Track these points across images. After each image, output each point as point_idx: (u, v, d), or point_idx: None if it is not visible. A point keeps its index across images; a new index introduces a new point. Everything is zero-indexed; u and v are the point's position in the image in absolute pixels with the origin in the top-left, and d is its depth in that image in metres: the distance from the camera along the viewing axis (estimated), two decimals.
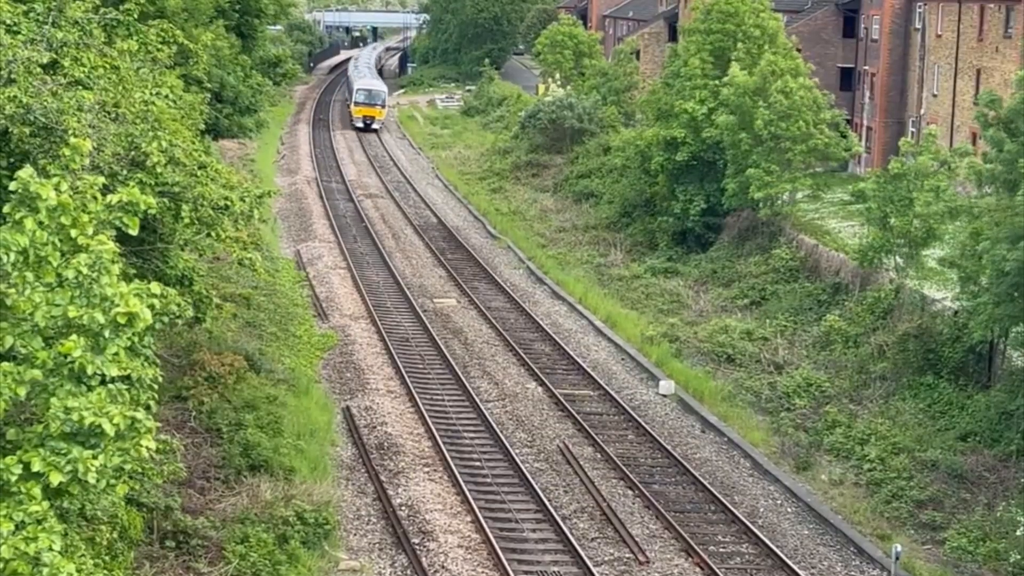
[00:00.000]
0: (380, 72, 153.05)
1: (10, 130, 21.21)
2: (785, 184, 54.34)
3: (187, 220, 25.29)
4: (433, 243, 65.08)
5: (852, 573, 30.26)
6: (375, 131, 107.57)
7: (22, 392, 15.37)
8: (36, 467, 15.10)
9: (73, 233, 15.88)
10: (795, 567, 29.68)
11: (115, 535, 21.41)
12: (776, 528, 32.39)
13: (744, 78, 54.61)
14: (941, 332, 39.76)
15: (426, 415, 38.70)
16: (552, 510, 32.08)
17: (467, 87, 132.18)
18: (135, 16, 27.68)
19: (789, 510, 33.69)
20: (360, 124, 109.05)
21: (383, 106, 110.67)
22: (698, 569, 29.66)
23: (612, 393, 41.80)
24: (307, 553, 27.81)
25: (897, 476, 34.51)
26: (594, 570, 28.94)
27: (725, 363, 44.72)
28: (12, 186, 15.80)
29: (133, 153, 23.59)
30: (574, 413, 39.68)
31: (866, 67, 73.80)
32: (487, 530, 30.58)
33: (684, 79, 60.66)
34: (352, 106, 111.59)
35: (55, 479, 15.09)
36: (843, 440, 37.09)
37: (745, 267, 54.04)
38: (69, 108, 21.64)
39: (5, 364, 15.52)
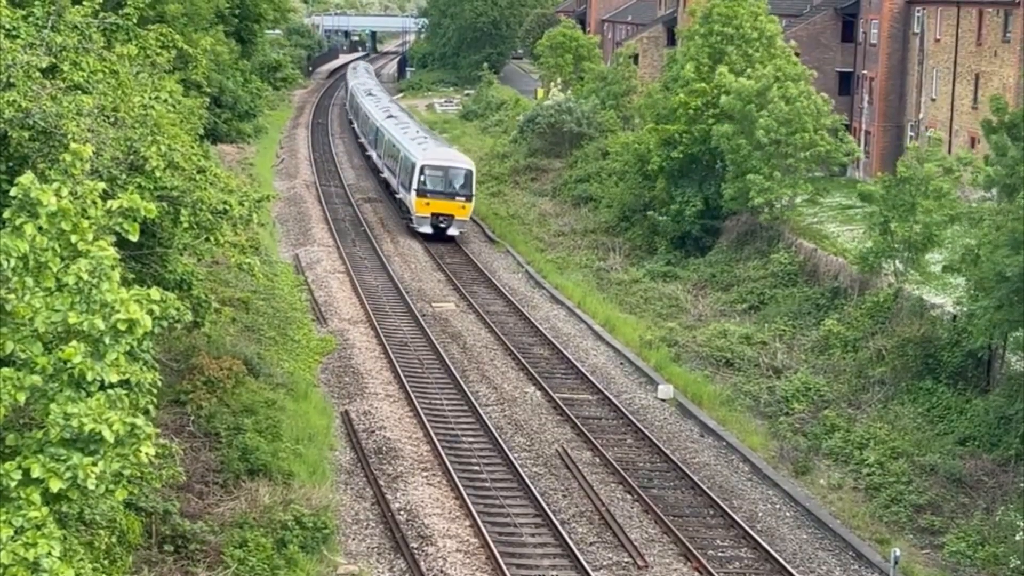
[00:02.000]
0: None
1: (9, 134, 21.21)
2: (785, 189, 54.37)
3: (186, 224, 25.26)
4: (432, 247, 65.04)
5: None
6: (452, 239, 66.05)
7: (22, 398, 15.36)
8: (36, 473, 15.08)
9: (73, 239, 15.86)
10: (794, 571, 29.69)
11: (114, 539, 21.39)
12: (775, 532, 32.38)
13: (744, 83, 54.58)
14: (940, 337, 39.77)
15: (425, 419, 38.70)
16: (551, 514, 32.07)
17: (466, 91, 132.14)
18: (134, 20, 27.64)
19: (788, 514, 33.68)
20: (427, 228, 66.02)
21: (471, 196, 66.83)
22: (697, 574, 29.66)
23: (611, 397, 41.79)
24: (305, 557, 27.81)
25: (896, 480, 34.52)
26: (592, 575, 28.94)
27: (724, 367, 44.72)
28: (13, 192, 15.79)
29: (132, 157, 23.57)
30: (573, 417, 39.67)
31: (865, 71, 73.83)
32: (486, 535, 30.58)
33: (681, 83, 60.64)
34: (411, 195, 66.76)
35: (55, 486, 15.08)
36: (842, 444, 37.10)
37: (744, 271, 54.05)
38: (68, 112, 21.63)
39: (5, 369, 15.51)
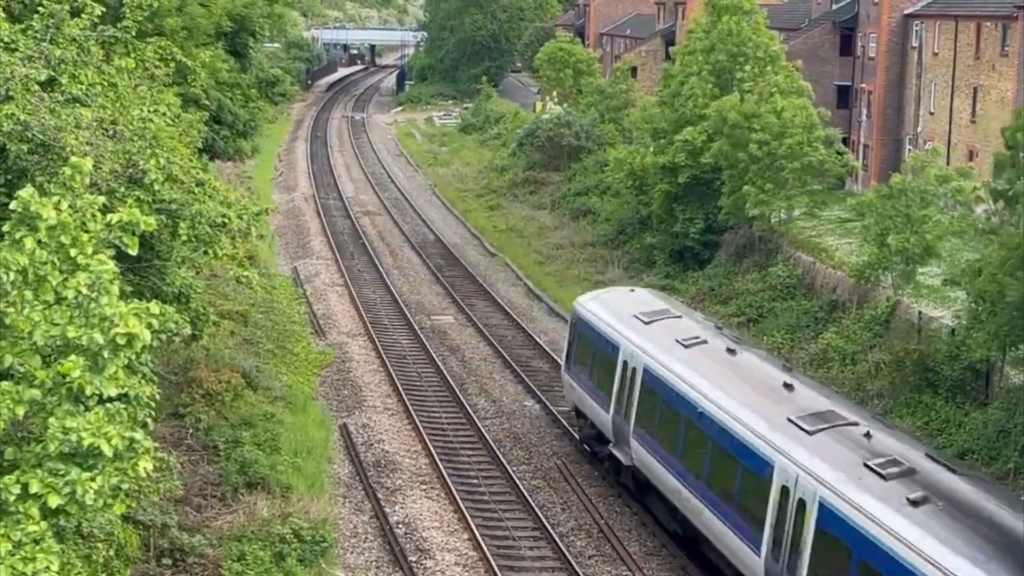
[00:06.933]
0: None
1: (8, 147, 21.20)
2: (782, 201, 54.36)
3: (184, 237, 25.26)
4: (431, 260, 65.07)
5: None
6: None
7: (20, 411, 15.34)
8: (34, 489, 15.05)
9: (73, 252, 15.85)
10: None
11: (112, 553, 21.35)
12: None
13: (735, 104, 54.62)
14: (938, 350, 39.73)
15: (423, 432, 38.67)
16: (549, 528, 32.03)
17: (465, 104, 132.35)
18: (133, 34, 27.67)
19: None
20: None
21: None
22: None
23: None
24: (304, 571, 27.78)
25: None
26: None
27: None
28: (12, 205, 15.78)
29: (131, 170, 23.57)
30: (572, 430, 39.61)
31: (863, 85, 73.89)
32: (484, 548, 30.54)
33: (685, 98, 60.59)
34: None
35: (53, 501, 15.05)
36: None
37: (742, 284, 54.03)
38: (67, 125, 21.62)
39: (4, 383, 15.49)
